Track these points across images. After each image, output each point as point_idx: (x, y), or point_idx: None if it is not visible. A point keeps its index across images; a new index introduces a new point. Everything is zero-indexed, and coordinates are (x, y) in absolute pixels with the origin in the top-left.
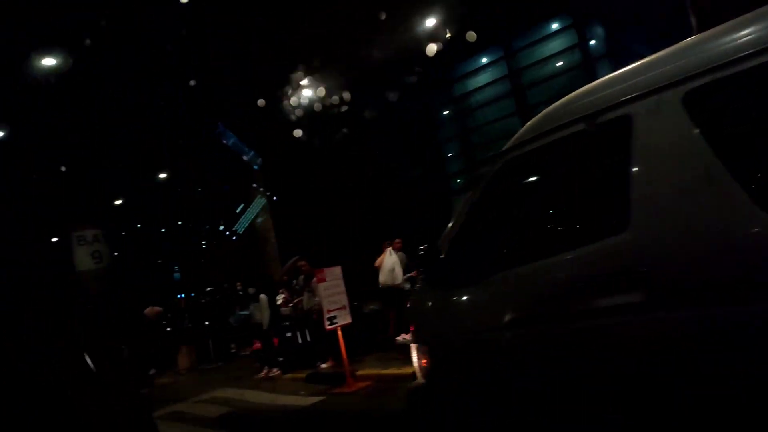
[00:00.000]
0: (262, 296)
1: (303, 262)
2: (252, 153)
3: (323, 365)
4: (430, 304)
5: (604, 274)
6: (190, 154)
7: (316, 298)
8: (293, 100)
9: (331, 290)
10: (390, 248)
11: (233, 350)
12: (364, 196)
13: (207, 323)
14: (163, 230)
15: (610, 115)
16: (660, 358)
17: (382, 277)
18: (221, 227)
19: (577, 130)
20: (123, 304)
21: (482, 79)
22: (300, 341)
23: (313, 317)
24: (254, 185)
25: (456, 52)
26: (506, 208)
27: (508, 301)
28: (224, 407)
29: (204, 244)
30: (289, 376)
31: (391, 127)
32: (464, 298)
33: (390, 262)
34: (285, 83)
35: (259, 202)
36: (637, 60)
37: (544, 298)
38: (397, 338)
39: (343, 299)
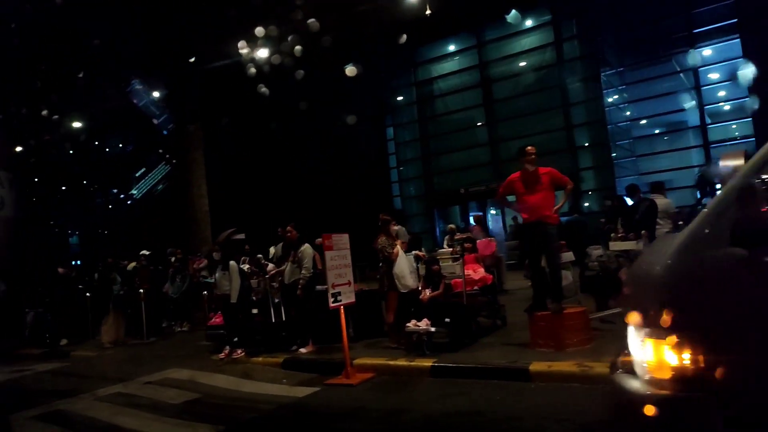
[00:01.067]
0: (233, 263)
1: (289, 227)
2: (164, 117)
3: (302, 350)
4: (719, 270)
5: None
6: (93, 106)
7: (302, 270)
8: (246, 58)
9: (337, 261)
10: (400, 248)
11: (164, 325)
12: (304, 170)
13: (142, 291)
14: (63, 188)
15: None
16: None
17: (409, 281)
18: (133, 192)
19: None
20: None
21: (449, 66)
22: (273, 319)
23: (297, 293)
24: (160, 150)
25: (422, 34)
26: None
27: None
28: (187, 392)
29: (110, 207)
30: (259, 359)
31: (340, 102)
32: None
33: (404, 263)
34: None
35: (164, 168)
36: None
37: None
38: (408, 324)
39: (349, 273)
